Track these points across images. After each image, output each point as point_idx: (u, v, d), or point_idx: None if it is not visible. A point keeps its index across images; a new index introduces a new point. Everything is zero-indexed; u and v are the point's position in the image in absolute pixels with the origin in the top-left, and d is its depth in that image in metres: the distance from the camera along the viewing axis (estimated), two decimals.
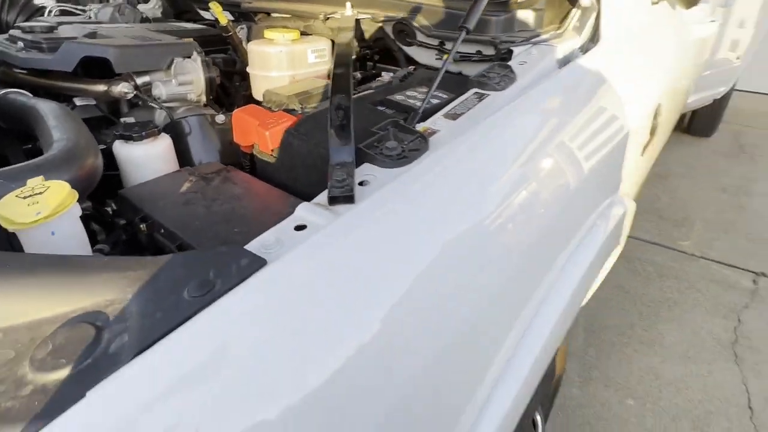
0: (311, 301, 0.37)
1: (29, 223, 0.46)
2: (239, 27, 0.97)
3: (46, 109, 0.62)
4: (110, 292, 0.35)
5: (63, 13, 1.13)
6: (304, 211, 0.46)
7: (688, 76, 1.60)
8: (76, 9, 1.15)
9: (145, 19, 1.19)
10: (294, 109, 0.70)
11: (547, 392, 1.01)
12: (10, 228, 0.46)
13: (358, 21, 0.87)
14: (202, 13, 1.15)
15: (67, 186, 0.50)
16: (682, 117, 3.82)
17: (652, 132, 0.93)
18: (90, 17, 1.08)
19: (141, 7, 1.22)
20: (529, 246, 0.56)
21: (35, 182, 0.48)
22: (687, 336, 1.93)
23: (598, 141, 0.67)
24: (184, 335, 0.32)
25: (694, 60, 1.61)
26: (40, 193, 0.47)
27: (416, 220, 0.45)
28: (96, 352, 0.31)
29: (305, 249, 0.40)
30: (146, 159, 0.65)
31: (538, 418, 1.06)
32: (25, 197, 0.47)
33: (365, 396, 0.37)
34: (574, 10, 0.87)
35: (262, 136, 0.62)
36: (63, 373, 0.30)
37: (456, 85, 0.67)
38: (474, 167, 0.52)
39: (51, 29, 0.85)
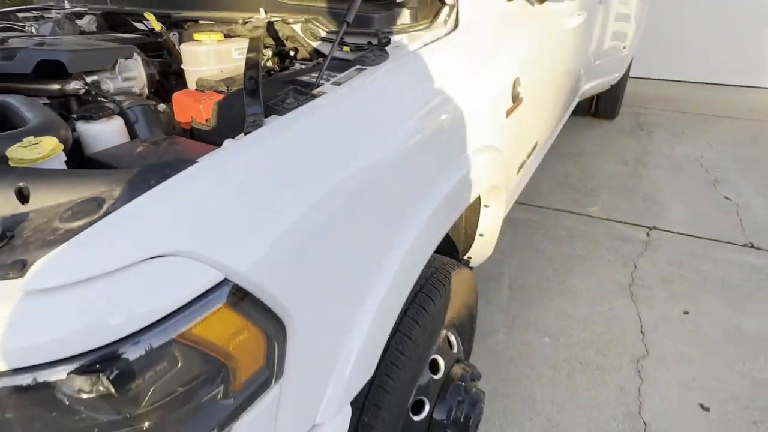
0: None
1: (33, 159, 0.62)
2: (171, 33, 1.14)
3: (16, 100, 0.77)
4: (103, 186, 0.52)
5: (5, 29, 1.24)
6: (229, 143, 0.66)
7: (565, 60, 1.92)
8: (17, 25, 1.27)
9: (82, 32, 1.33)
10: (222, 90, 0.89)
11: (456, 317, 1.23)
12: (20, 165, 0.63)
13: (271, 23, 1.06)
14: (137, 25, 1.30)
15: (54, 138, 0.66)
16: (589, 103, 4.29)
17: (515, 99, 1.19)
18: (33, 32, 1.20)
19: (78, 22, 1.35)
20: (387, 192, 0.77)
21: (30, 138, 0.65)
22: (593, 283, 2.25)
23: (452, 100, 0.91)
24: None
25: (568, 47, 1.93)
26: (36, 144, 0.63)
27: (296, 137, 0.67)
28: (100, 212, 0.48)
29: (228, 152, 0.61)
30: (104, 134, 0.80)
31: (453, 338, 1.29)
32: (25, 147, 0.63)
33: None
34: (444, 7, 1.12)
35: (197, 109, 0.80)
36: (81, 222, 0.48)
37: (347, 66, 0.89)
38: (347, 113, 0.73)
39: (2, 41, 0.98)
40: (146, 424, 0.47)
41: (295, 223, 0.59)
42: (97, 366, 0.42)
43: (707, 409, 1.63)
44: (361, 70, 0.82)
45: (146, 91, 0.97)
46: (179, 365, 0.46)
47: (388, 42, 0.94)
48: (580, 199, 3.01)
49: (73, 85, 0.89)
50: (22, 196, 0.51)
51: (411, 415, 1.09)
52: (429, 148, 0.86)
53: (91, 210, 0.48)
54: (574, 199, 3.01)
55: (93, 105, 0.86)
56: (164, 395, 0.46)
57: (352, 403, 0.77)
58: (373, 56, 0.86)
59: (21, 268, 0.43)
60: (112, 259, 0.45)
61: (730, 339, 1.91)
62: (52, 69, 0.89)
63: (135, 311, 0.44)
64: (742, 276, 2.28)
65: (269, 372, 0.56)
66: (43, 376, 0.42)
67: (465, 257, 1.59)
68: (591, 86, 3.29)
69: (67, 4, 1.38)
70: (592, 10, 2.41)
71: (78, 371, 0.42)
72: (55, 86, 0.89)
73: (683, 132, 4.11)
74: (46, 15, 1.31)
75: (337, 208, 0.66)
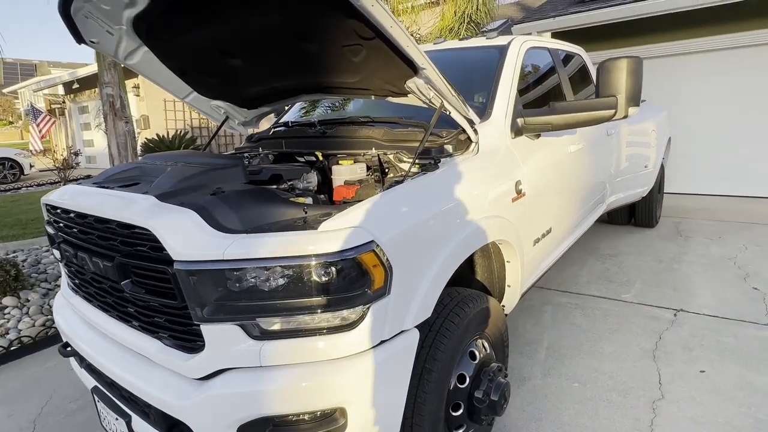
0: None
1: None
2: (324, 161, 2.14)
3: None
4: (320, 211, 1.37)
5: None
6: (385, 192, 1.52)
7: (571, 172, 2.72)
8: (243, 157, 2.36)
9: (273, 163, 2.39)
10: (355, 184, 1.78)
11: (488, 331, 1.87)
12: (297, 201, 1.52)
13: (378, 155, 1.99)
14: (299, 158, 2.33)
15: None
16: (629, 214, 4.88)
17: (518, 192, 1.99)
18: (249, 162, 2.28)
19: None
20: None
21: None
22: (621, 347, 2.70)
23: (474, 188, 1.71)
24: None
25: (573, 164, 2.74)
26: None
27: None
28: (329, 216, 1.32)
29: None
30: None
31: (486, 344, 1.90)
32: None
33: None
34: (472, 144, 2.01)
35: (348, 192, 1.67)
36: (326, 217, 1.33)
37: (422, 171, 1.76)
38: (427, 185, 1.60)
39: (250, 167, 2.00)
40: (339, 296, 1.23)
41: (407, 229, 1.40)
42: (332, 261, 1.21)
43: None
44: (426, 173, 1.68)
45: (315, 188, 1.89)
46: (355, 269, 1.23)
47: (439, 161, 1.81)
48: (615, 288, 3.50)
49: (284, 186, 1.82)
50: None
51: (457, 383, 1.71)
52: (461, 209, 1.65)
53: (326, 215, 1.32)
54: (610, 288, 3.51)
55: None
56: (348, 282, 1.23)
57: (421, 338, 1.47)
58: (432, 167, 1.73)
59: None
60: (345, 223, 1.28)
61: (740, 390, 2.25)
62: (275, 178, 1.84)
63: (347, 243, 1.24)
64: (760, 346, 2.61)
65: (385, 288, 1.31)
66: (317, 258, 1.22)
67: (501, 305, 2.25)
68: (618, 197, 3.98)
69: (260, 150, 2.45)
70: (599, 140, 3.24)
71: (323, 263, 1.21)
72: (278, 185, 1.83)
73: (720, 237, 4.52)
74: (252, 155, 2.38)
75: (426, 225, 1.46)
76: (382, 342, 1.35)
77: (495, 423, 2.03)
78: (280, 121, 3.06)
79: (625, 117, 2.07)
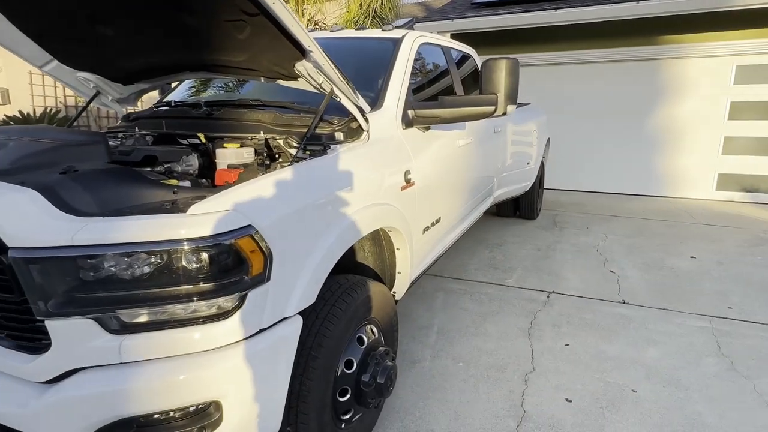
0: None
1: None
2: (208, 144, 1.99)
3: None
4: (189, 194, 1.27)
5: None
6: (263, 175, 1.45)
7: (459, 165, 2.88)
8: (116, 139, 2.10)
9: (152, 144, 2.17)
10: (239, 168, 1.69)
11: (377, 317, 1.91)
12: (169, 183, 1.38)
13: (266, 139, 1.91)
14: (181, 140, 2.15)
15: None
16: (514, 207, 5.31)
17: (407, 181, 2.05)
18: (123, 143, 2.04)
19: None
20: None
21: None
22: (502, 328, 2.93)
23: (361, 175, 1.74)
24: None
25: (461, 158, 2.90)
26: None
27: None
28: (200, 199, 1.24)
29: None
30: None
31: (375, 329, 1.94)
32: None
33: None
34: (363, 132, 2.02)
35: (231, 176, 1.58)
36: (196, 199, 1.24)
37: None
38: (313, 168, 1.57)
39: (120, 147, 1.79)
40: (213, 283, 1.16)
41: (290, 214, 1.36)
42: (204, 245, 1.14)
43: (570, 401, 2.24)
44: (316, 156, 1.66)
45: (196, 171, 1.76)
46: (230, 255, 1.17)
47: (329, 147, 1.79)
48: (500, 275, 3.80)
49: (159, 169, 1.67)
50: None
51: (345, 369, 1.72)
52: (348, 195, 1.66)
53: (199, 198, 1.23)
54: (495, 275, 3.80)
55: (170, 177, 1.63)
56: (223, 268, 1.16)
57: (306, 325, 1.44)
58: (320, 154, 1.71)
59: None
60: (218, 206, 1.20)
61: (595, 359, 2.58)
62: (148, 159, 1.68)
63: (221, 227, 1.16)
64: (613, 321, 3.01)
65: (264, 275, 1.26)
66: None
67: (392, 292, 2.30)
68: (504, 191, 4.31)
69: (136, 130, 2.22)
70: (486, 136, 3.47)
71: (195, 249, 1.13)
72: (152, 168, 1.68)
73: (587, 227, 5.13)
74: (127, 135, 2.14)
75: (311, 210, 1.43)
76: (261, 330, 1.30)
77: (384, 405, 2.09)
78: (164, 100, 2.81)
79: (504, 114, 2.23)
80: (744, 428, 2.03)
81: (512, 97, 2.19)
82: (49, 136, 1.48)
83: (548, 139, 5.56)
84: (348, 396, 1.73)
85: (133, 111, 2.56)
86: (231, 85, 2.95)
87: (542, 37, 6.77)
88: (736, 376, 2.41)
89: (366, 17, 8.33)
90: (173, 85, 3.10)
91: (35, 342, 1.15)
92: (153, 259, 1.12)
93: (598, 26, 6.25)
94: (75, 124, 2.63)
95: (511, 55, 2.28)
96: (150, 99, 3.44)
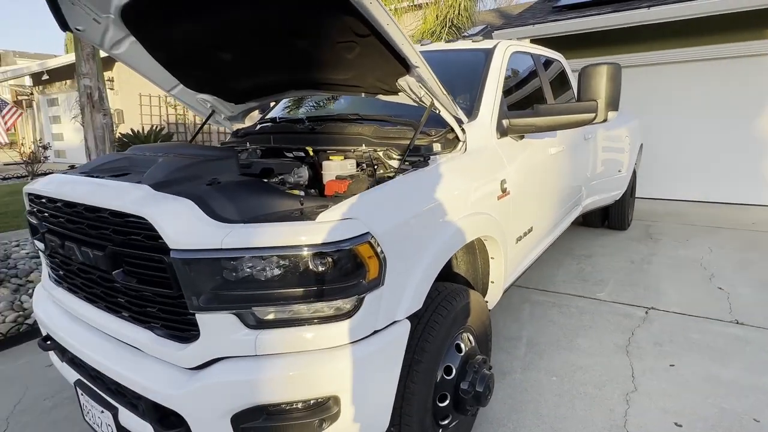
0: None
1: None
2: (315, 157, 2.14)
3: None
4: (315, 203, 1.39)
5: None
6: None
7: (551, 173, 2.81)
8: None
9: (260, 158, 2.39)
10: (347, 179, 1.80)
11: (472, 324, 1.92)
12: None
13: (368, 151, 2.02)
14: (287, 153, 2.33)
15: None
16: (602, 217, 5.04)
17: (503, 190, 2.05)
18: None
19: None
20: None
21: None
22: (595, 343, 2.80)
23: (461, 185, 1.76)
24: None
25: (554, 165, 2.84)
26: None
27: None
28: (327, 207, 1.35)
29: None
30: None
31: (471, 337, 1.95)
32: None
33: None
34: (459, 143, 2.06)
35: (341, 186, 1.69)
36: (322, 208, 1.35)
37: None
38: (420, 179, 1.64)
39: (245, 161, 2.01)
40: (334, 285, 1.26)
41: (401, 222, 1.44)
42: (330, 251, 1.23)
43: (680, 425, 2.09)
44: (416, 169, 1.73)
45: (306, 182, 1.91)
46: (350, 260, 1.26)
47: (429, 158, 1.86)
48: (590, 287, 3.63)
49: (274, 180, 1.83)
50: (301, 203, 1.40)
51: (444, 375, 1.75)
52: (451, 205, 1.70)
53: (322, 207, 1.34)
54: (585, 287, 3.63)
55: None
56: (344, 272, 1.26)
57: (411, 329, 1.50)
58: (423, 164, 1.77)
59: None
60: (341, 214, 1.30)
61: (707, 383, 2.38)
62: (265, 171, 1.85)
63: (343, 234, 1.26)
64: (725, 342, 2.76)
65: (379, 279, 1.34)
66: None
67: (485, 300, 2.30)
68: (593, 200, 4.12)
69: (248, 145, 2.44)
70: (577, 143, 3.36)
71: (320, 254, 1.23)
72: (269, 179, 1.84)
73: (688, 240, 4.73)
74: (241, 148, 2.37)
75: (418, 219, 1.50)
76: (375, 332, 1.38)
77: (478, 414, 2.09)
78: (266, 117, 3.05)
79: (605, 121, 2.16)
80: None
81: (613, 103, 2.12)
82: (190, 152, 1.69)
83: (641, 144, 5.23)
84: (447, 402, 1.76)
85: (241, 127, 2.81)
86: (323, 102, 3.14)
87: (628, 37, 6.40)
88: None
89: (443, 27, 8.39)
90: (271, 103, 3.35)
91: (186, 332, 1.31)
92: (284, 262, 1.24)
93: (689, 23, 5.79)
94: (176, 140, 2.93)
95: (611, 61, 2.21)
96: (251, 118, 3.74)
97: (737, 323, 2.98)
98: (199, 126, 2.76)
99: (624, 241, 4.77)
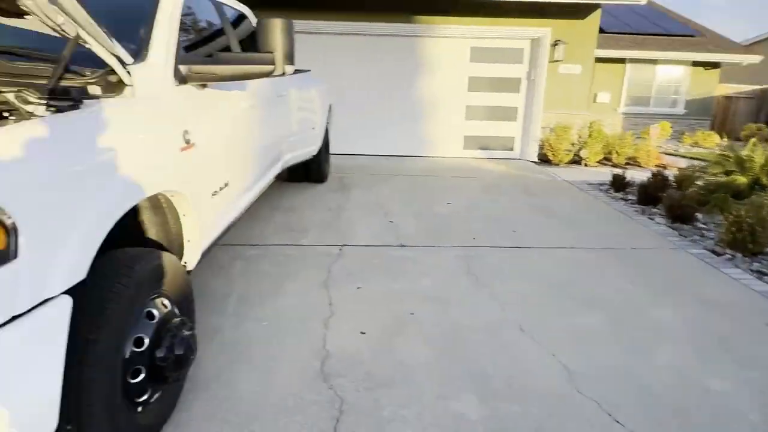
0: None
1: None
2: None
3: None
4: None
5: None
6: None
7: (244, 127, 2.82)
8: None
9: None
10: None
11: (168, 290, 1.77)
12: None
13: None
14: None
15: None
16: (304, 172, 5.47)
17: (187, 142, 1.92)
18: None
19: None
20: None
21: None
22: (301, 284, 3.07)
23: (125, 133, 1.56)
24: None
25: (246, 119, 2.85)
26: None
27: None
28: None
29: None
30: None
31: (167, 302, 1.80)
32: None
33: None
34: (126, 87, 1.78)
35: None
36: None
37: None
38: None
39: None
40: None
41: (37, 181, 1.12)
42: None
43: (364, 333, 2.54)
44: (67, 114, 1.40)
45: None
46: None
47: (80, 103, 1.53)
48: (296, 236, 3.94)
49: None
50: None
51: (135, 348, 1.57)
52: (115, 157, 1.47)
53: None
54: (292, 236, 3.92)
55: None
56: None
57: (77, 306, 1.25)
58: (70, 108, 1.44)
59: None
60: None
61: (385, 296, 2.96)
62: None
63: None
64: (395, 262, 3.49)
65: (7, 252, 1.04)
66: None
67: (182, 263, 2.16)
68: (293, 155, 4.40)
69: None
70: (270, 100, 3.47)
71: None
72: None
73: (371, 187, 5.70)
74: None
75: (70, 175, 1.21)
76: (15, 317, 1.09)
77: (189, 379, 2.00)
78: None
79: (284, 74, 2.28)
80: (483, 316, 2.67)
81: (289, 57, 2.25)
82: None
83: (330, 105, 5.86)
84: (142, 376, 1.59)
85: None
86: None
87: (319, 4, 6.99)
88: (479, 285, 3.13)
89: None
90: None
91: None
92: None
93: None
94: None
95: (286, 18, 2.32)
96: None
97: (402, 246, 3.82)
98: None
99: (323, 192, 5.35)
